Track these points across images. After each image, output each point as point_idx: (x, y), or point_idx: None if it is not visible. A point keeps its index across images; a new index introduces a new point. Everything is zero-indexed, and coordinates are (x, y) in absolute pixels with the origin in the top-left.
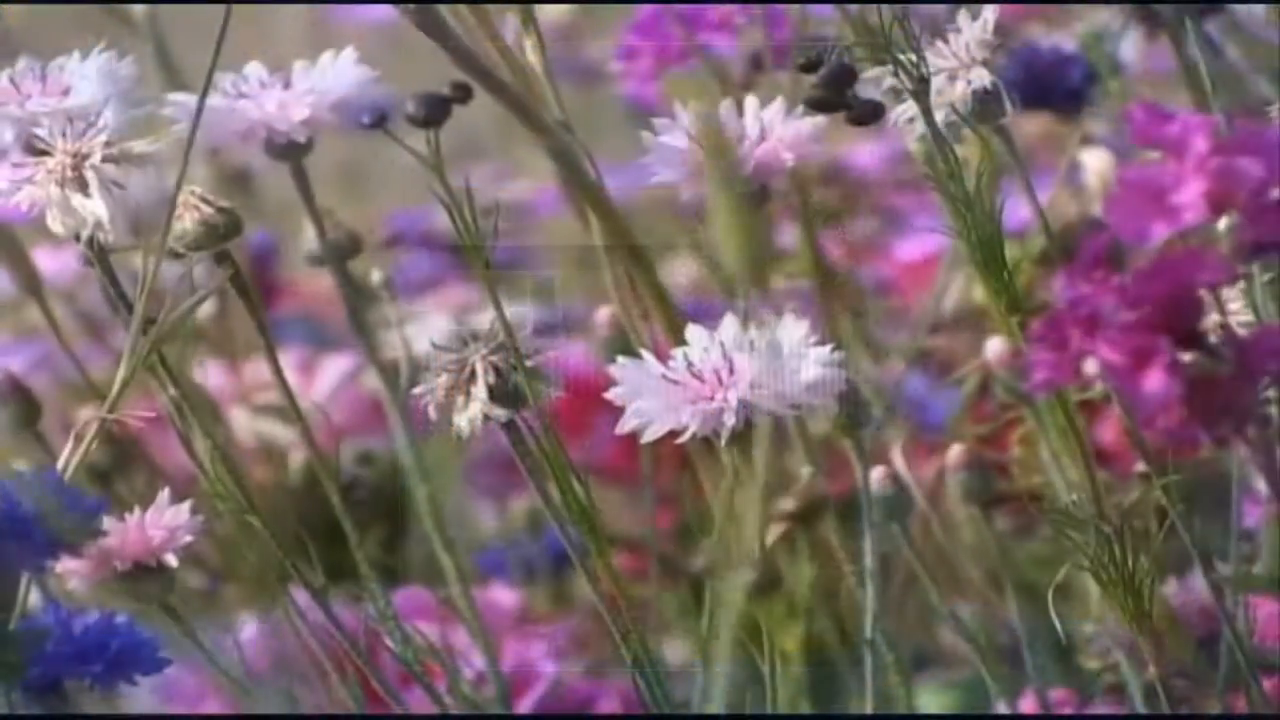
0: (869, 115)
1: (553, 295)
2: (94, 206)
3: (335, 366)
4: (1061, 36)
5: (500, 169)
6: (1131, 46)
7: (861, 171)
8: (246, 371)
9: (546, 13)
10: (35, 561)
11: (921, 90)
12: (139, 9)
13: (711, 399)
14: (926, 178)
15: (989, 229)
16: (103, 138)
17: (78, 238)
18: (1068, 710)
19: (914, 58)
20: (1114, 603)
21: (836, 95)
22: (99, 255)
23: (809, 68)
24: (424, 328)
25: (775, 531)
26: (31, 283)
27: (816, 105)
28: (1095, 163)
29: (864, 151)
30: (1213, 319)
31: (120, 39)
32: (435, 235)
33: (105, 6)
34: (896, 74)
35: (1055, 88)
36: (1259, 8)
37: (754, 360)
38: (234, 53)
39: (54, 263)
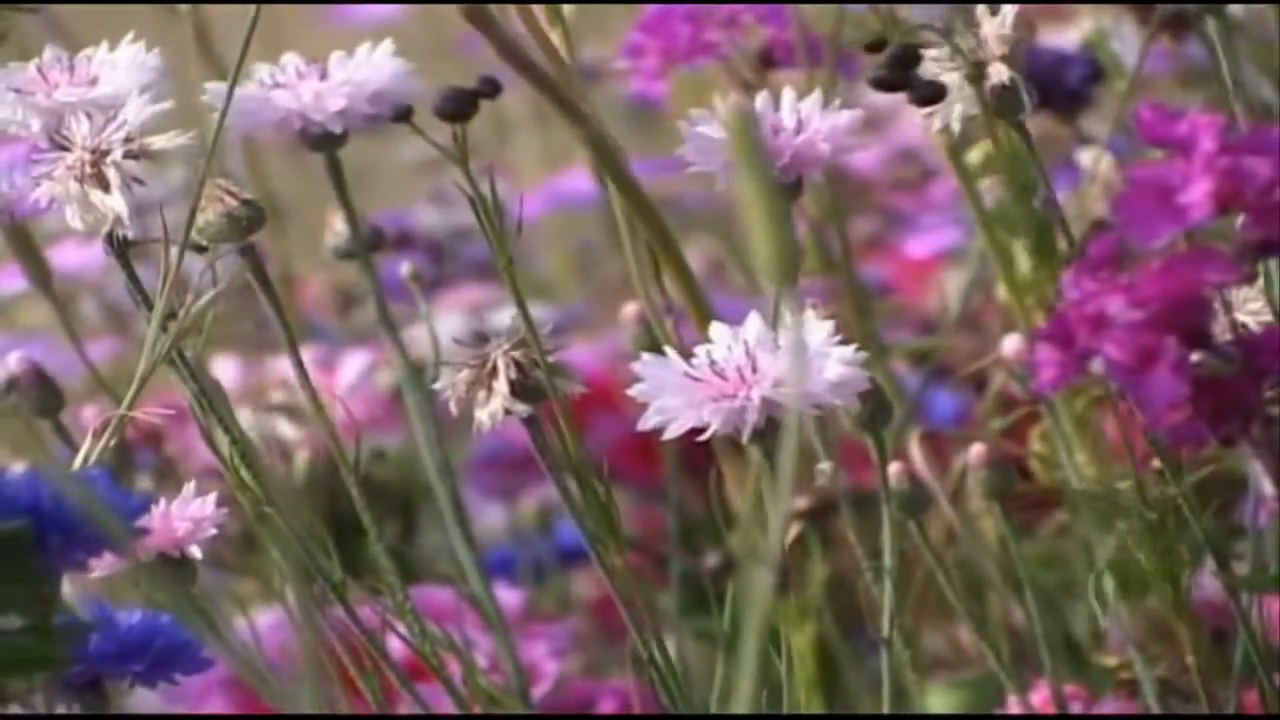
0: (931, 97)
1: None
2: (114, 203)
3: (355, 362)
4: (1062, 36)
5: (485, 168)
6: (1131, 47)
7: (862, 171)
8: (259, 369)
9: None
10: (78, 558)
11: (977, 75)
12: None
13: (734, 397)
14: (954, 170)
15: (1042, 215)
16: (123, 133)
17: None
18: (1078, 705)
19: (972, 43)
20: (1154, 591)
21: (901, 75)
22: (119, 251)
23: (874, 48)
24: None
25: (790, 530)
26: (43, 279)
27: (880, 85)
28: (1094, 163)
29: (864, 152)
30: (1225, 318)
31: (163, 26)
32: (422, 235)
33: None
34: (953, 58)
35: (1055, 88)
36: (1259, 7)
37: (778, 359)
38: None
39: (79, 257)
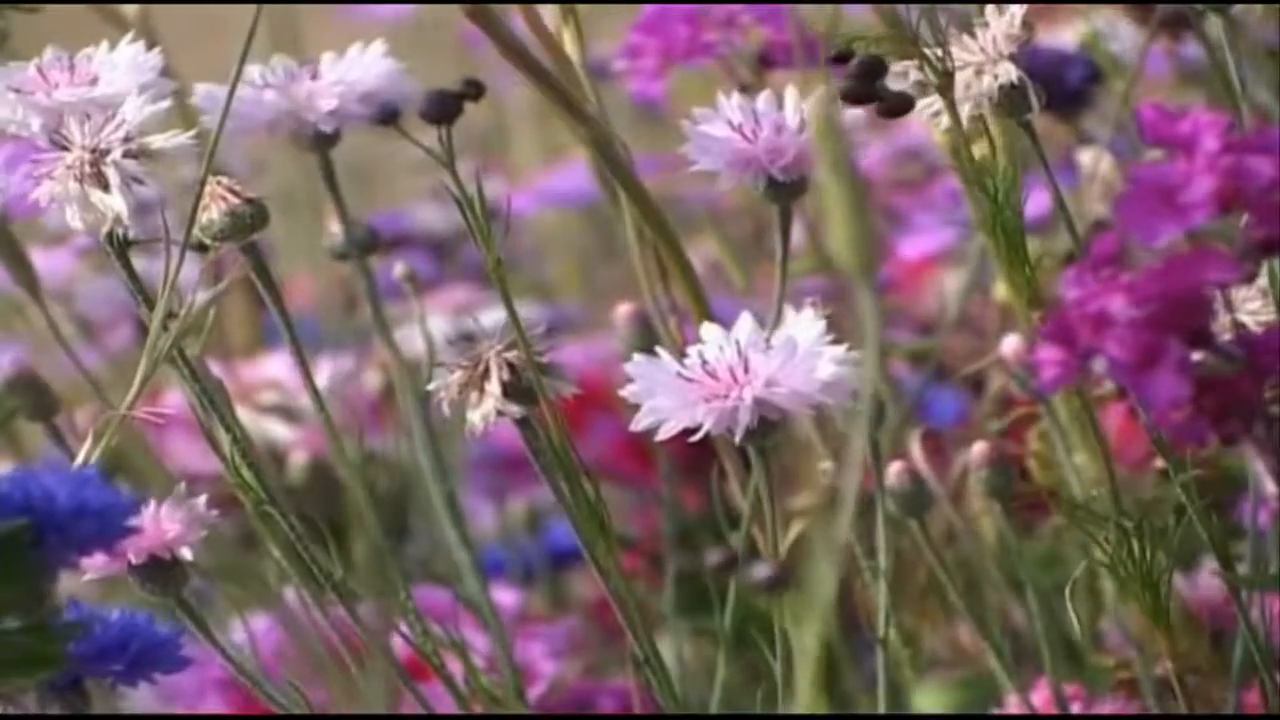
0: (899, 107)
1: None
2: (114, 202)
3: (328, 367)
4: (1061, 36)
5: (482, 167)
6: (1129, 47)
7: (864, 171)
8: (244, 372)
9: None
10: (71, 557)
11: (946, 84)
12: (131, 8)
13: (727, 397)
14: (955, 170)
15: (1013, 223)
16: (122, 133)
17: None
18: (1078, 705)
19: (940, 52)
20: (1131, 598)
21: (867, 87)
22: (119, 251)
23: (840, 60)
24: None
25: (793, 529)
26: (30, 282)
27: (848, 97)
28: (1094, 163)
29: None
30: (1227, 318)
31: (113, 38)
32: (418, 235)
33: (97, 6)
34: (922, 68)
35: (1054, 88)
36: (1255, 8)
37: (770, 358)
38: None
39: (43, 264)
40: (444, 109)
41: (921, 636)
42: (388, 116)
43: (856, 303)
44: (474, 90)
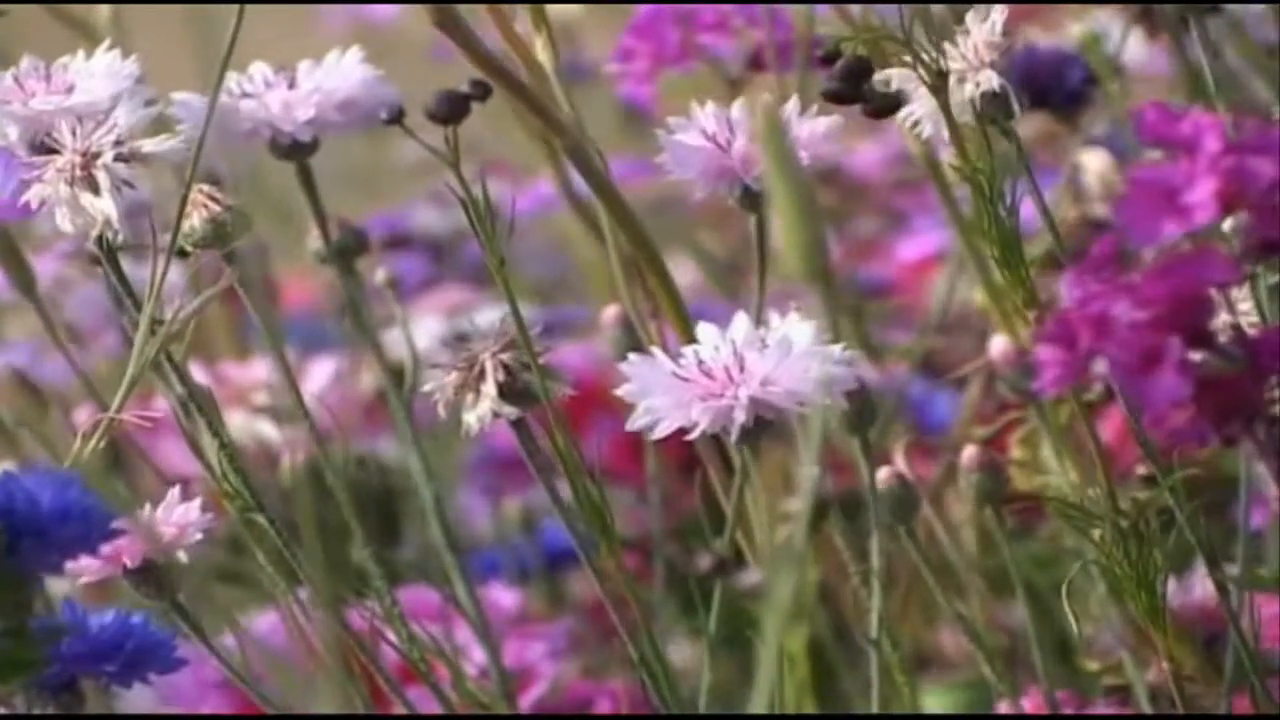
0: (886, 108)
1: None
2: (104, 205)
3: (323, 369)
4: (1060, 37)
5: (482, 168)
6: (1130, 48)
7: (860, 172)
8: (234, 374)
9: (553, 13)
10: (53, 560)
11: (940, 85)
12: (103, 15)
13: (722, 396)
14: (956, 170)
15: (1008, 224)
16: (113, 136)
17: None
18: (1070, 710)
19: (934, 53)
20: (1128, 599)
21: (853, 88)
22: (108, 254)
23: (828, 60)
24: (414, 329)
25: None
26: (27, 285)
27: (833, 97)
28: (1095, 164)
29: (862, 153)
30: (1223, 319)
31: (82, 46)
32: (417, 237)
33: (65, 12)
34: (915, 69)
35: (1053, 89)
36: (1257, 7)
37: (765, 358)
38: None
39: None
40: (452, 109)
41: (909, 640)
42: (393, 117)
43: (808, 306)
44: (481, 91)
